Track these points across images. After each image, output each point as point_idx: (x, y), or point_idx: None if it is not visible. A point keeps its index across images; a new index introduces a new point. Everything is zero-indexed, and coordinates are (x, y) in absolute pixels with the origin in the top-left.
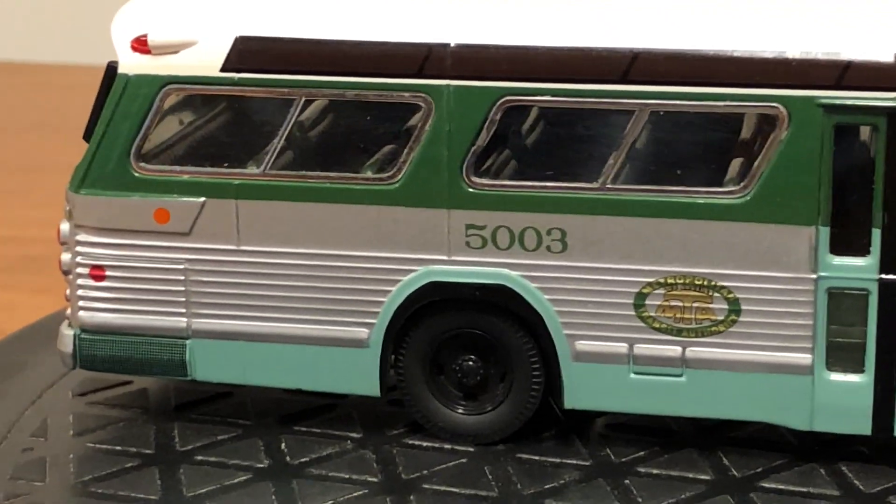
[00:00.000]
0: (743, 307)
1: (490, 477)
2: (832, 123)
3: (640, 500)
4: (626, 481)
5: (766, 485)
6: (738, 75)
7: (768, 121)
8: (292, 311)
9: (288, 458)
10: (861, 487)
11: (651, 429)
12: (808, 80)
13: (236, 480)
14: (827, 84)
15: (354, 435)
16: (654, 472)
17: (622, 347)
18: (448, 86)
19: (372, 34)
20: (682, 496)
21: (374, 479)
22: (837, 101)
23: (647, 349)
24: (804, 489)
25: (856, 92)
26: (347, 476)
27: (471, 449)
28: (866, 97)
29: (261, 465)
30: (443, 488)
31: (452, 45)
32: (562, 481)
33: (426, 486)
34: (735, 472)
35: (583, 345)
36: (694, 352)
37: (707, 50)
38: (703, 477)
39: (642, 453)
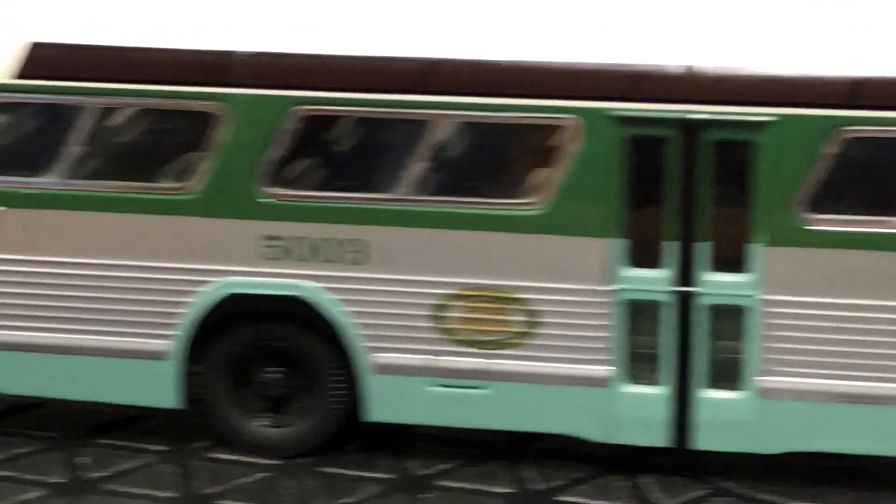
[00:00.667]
0: (541, 319)
1: (289, 491)
2: (627, 135)
3: None
4: (426, 495)
5: (565, 498)
6: (534, 86)
7: (557, 131)
8: (89, 323)
9: (86, 473)
10: (659, 500)
11: (458, 441)
12: (602, 92)
13: (28, 497)
14: (621, 96)
15: (159, 448)
16: (455, 485)
17: (423, 360)
18: (241, 94)
19: (165, 42)
20: None
21: (172, 495)
22: (631, 114)
23: (447, 362)
24: (601, 503)
25: (650, 104)
26: (145, 491)
27: (275, 462)
28: (660, 109)
29: (56, 481)
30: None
31: (245, 52)
32: (360, 496)
33: (223, 501)
34: (535, 486)
35: (383, 357)
36: (494, 364)
37: (503, 60)
38: (502, 490)
39: (446, 466)
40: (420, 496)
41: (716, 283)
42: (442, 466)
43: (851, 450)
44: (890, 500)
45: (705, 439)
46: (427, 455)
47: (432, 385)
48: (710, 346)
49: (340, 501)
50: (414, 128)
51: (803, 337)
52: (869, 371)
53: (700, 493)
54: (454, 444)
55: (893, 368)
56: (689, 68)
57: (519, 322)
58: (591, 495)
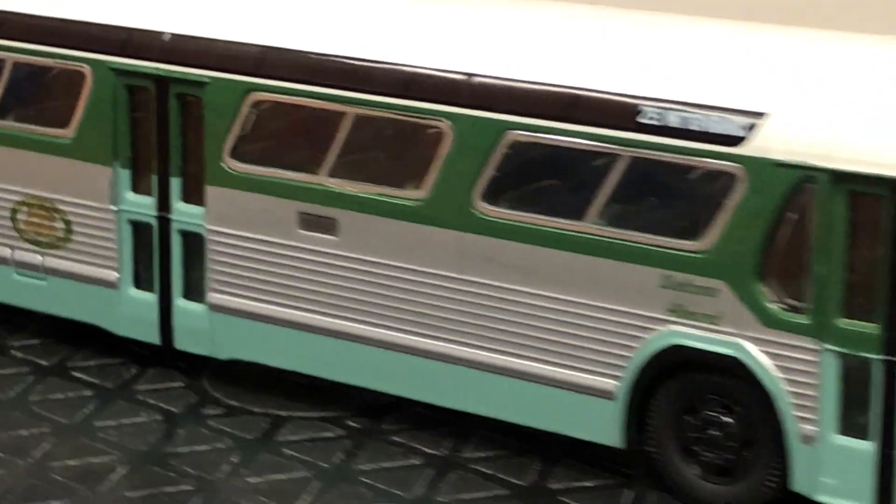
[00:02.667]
0: (73, 228)
1: None
2: (122, 83)
3: None
4: None
5: (76, 374)
6: (61, 38)
7: (75, 76)
8: None
9: None
10: (140, 384)
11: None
12: (104, 46)
13: None
14: (114, 51)
15: None
16: (21, 356)
17: (7, 252)
18: None
19: None
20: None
21: None
22: (118, 66)
23: (20, 255)
24: (94, 380)
25: (134, 60)
26: None
27: None
28: (137, 65)
29: None
30: None
31: None
32: None
33: None
34: (50, 361)
35: None
36: (49, 261)
37: (42, 15)
38: (46, 363)
39: (27, 342)
40: None
41: (182, 212)
42: (29, 342)
43: (293, 368)
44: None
45: (181, 341)
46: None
47: (15, 273)
48: (183, 263)
49: None
50: None
51: (233, 263)
52: (292, 300)
53: (177, 384)
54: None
55: (314, 301)
56: (167, 34)
57: (60, 228)
58: (93, 374)
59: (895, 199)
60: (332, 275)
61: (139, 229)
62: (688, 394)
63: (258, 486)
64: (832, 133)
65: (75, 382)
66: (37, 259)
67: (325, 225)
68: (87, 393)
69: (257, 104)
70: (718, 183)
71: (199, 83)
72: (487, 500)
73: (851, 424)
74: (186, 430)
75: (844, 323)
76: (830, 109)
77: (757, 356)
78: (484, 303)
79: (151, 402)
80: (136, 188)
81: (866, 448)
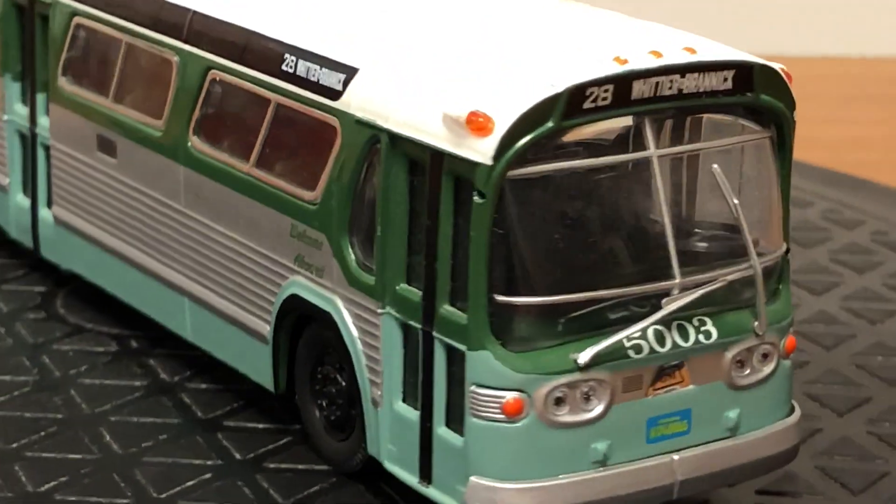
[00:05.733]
0: None
1: None
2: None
3: None
4: None
5: None
6: None
7: None
8: None
9: None
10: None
11: None
12: None
13: None
14: None
15: None
16: None
17: None
18: None
19: None
20: None
21: None
22: None
23: None
24: None
25: None
26: None
27: None
28: None
29: None
30: None
31: None
32: None
33: None
34: None
35: None
36: None
37: None
38: None
39: None
40: None
41: (43, 126)
42: None
43: (106, 287)
44: None
45: (45, 250)
46: None
47: None
48: (47, 174)
49: None
50: None
51: (66, 178)
52: (93, 217)
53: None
54: None
55: (101, 219)
56: None
57: None
58: None
59: (434, 167)
60: (112, 195)
61: (26, 139)
62: (316, 346)
63: None
64: (399, 95)
65: None
66: None
67: (109, 147)
68: None
69: (78, 27)
70: (326, 136)
71: (47, 3)
72: (118, 387)
73: (410, 392)
74: None
75: (402, 288)
76: (406, 71)
77: (344, 314)
78: (193, 236)
79: None
80: (25, 100)
81: (416, 417)
